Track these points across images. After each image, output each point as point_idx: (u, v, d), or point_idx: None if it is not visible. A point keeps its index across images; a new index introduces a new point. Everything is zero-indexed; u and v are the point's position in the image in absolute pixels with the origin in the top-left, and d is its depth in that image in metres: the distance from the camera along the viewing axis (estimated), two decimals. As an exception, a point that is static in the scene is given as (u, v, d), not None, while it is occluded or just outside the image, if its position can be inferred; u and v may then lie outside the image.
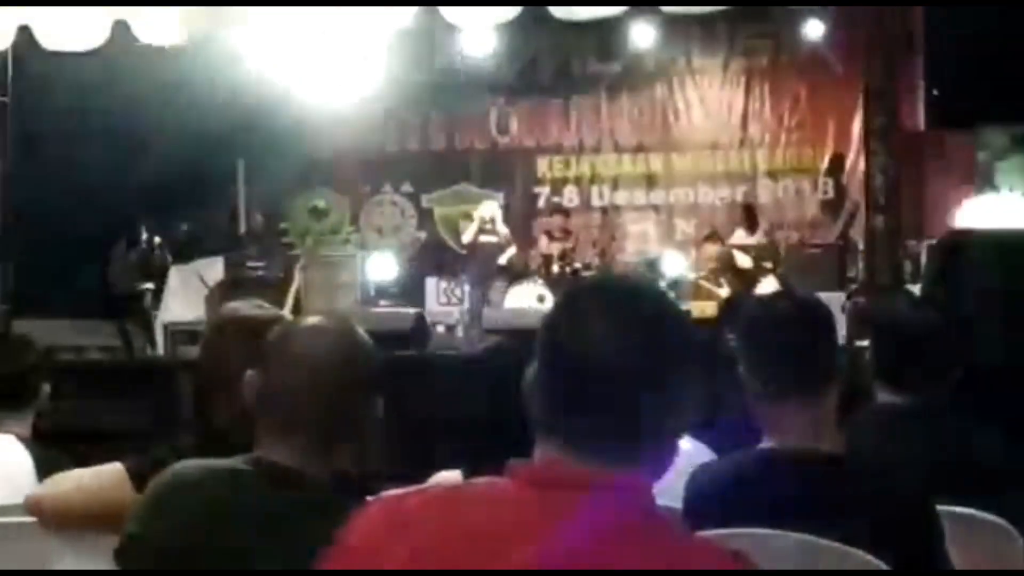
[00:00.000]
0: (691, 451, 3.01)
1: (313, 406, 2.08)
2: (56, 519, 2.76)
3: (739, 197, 12.75)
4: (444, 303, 12.18)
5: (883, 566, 2.09)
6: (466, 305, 11.35)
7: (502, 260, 11.60)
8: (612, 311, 1.53)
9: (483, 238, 11.50)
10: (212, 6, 7.66)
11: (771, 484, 2.27)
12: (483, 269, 11.41)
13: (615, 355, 1.50)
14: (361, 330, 2.19)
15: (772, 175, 13.00)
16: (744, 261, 11.22)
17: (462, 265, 11.89)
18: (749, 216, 11.85)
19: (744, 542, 2.03)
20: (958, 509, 2.42)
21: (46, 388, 3.45)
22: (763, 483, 2.28)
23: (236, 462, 2.09)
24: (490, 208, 11.73)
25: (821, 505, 2.19)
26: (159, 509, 2.07)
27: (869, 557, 2.08)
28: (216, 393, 2.58)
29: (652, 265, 12.08)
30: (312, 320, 2.23)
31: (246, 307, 2.72)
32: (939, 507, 2.25)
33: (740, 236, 11.56)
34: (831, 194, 12.81)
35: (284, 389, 2.09)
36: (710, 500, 2.31)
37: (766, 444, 2.35)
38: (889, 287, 8.18)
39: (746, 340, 2.42)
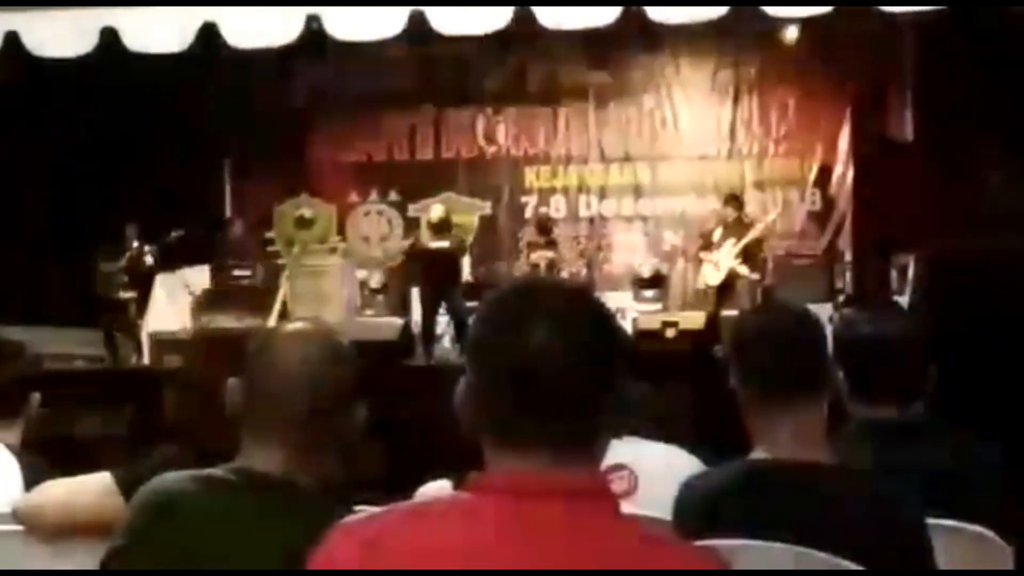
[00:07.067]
0: (682, 463, 3.01)
1: (294, 413, 2.07)
2: (44, 528, 2.76)
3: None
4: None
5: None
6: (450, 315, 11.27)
7: (466, 273, 11.09)
8: (556, 314, 1.53)
9: (434, 244, 10.79)
10: (203, 6, 7.65)
11: (763, 494, 2.26)
12: (434, 278, 10.61)
13: (572, 358, 1.50)
14: (340, 337, 2.19)
15: (760, 186, 13.01)
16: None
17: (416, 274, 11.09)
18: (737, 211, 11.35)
19: (736, 552, 2.03)
20: (945, 521, 2.40)
21: (36, 396, 3.39)
22: (755, 493, 2.27)
23: (218, 471, 2.08)
24: (439, 211, 10.99)
25: (813, 515, 2.18)
26: (142, 523, 2.06)
27: (861, 568, 2.08)
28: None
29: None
30: (291, 327, 2.22)
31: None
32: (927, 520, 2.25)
33: (730, 245, 11.34)
34: (819, 205, 12.84)
35: (265, 397, 2.08)
36: (701, 511, 2.30)
37: (757, 455, 2.34)
38: (876, 298, 8.19)
39: (738, 350, 2.41)
